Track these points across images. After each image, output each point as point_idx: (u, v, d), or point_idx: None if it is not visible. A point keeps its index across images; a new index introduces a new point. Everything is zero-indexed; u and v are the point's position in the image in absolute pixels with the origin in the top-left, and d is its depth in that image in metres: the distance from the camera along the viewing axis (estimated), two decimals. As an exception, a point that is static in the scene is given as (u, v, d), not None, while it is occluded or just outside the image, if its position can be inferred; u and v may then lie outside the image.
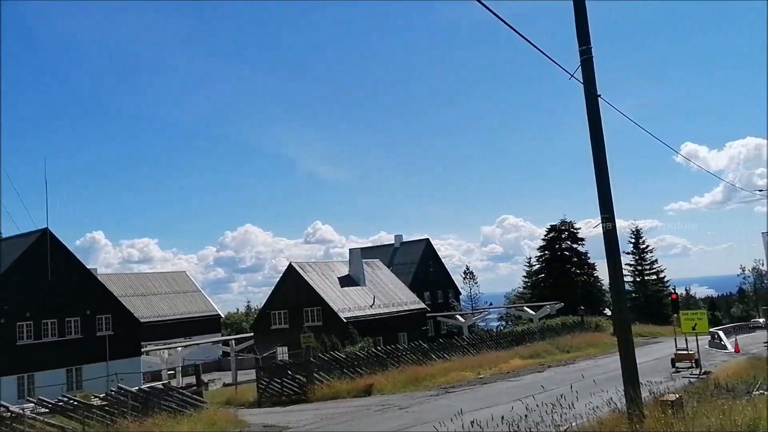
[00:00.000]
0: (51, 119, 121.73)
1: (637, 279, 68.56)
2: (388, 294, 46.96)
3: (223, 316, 65.68)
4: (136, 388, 19.20)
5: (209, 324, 59.46)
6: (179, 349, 46.54)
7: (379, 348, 29.19)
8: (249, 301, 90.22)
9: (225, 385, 39.48)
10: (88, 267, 41.08)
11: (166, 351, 44.35)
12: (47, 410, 16.28)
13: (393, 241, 64.01)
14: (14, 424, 14.74)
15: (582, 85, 9.34)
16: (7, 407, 15.58)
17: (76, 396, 18.13)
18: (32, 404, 17.03)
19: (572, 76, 8.99)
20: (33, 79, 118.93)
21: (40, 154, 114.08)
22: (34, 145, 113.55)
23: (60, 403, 16.23)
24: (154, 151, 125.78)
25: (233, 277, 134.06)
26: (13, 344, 34.28)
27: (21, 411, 15.47)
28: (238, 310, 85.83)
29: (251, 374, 39.22)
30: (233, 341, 48.07)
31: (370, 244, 71.86)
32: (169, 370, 44.08)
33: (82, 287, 37.64)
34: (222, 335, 59.10)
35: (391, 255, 60.40)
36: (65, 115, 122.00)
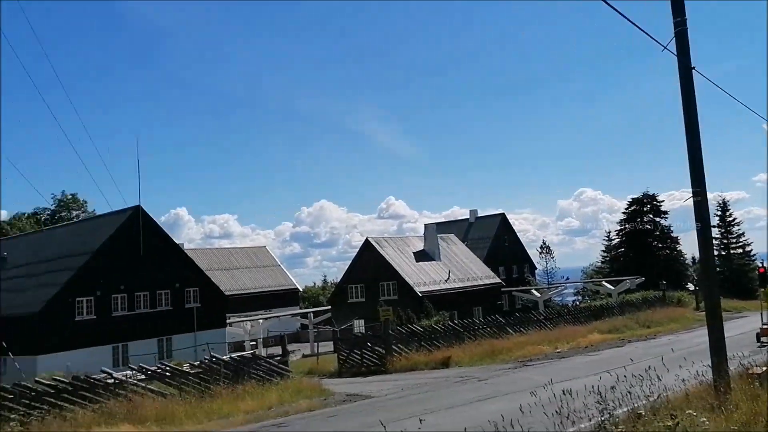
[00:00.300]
0: (135, 99, 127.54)
1: (723, 253, 65.55)
2: (463, 268, 47.01)
3: (301, 289, 67.63)
4: (227, 356, 20.24)
5: (288, 297, 61.43)
6: (260, 321, 48.47)
7: (455, 321, 29.42)
8: (325, 275, 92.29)
9: (304, 356, 40.82)
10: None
11: (248, 323, 46.27)
12: (145, 377, 17.37)
13: (467, 216, 63.84)
14: (117, 390, 15.86)
15: (675, 57, 9.03)
16: (110, 374, 16.81)
17: (169, 364, 19.23)
18: (129, 371, 18.22)
19: (665, 48, 8.71)
20: (118, 58, 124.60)
21: (130, 132, 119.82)
22: (123, 124, 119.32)
23: (158, 371, 17.35)
24: (232, 128, 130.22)
25: (308, 252, 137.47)
26: (109, 315, 36.58)
27: (124, 377, 16.65)
28: (315, 284, 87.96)
29: (329, 346, 40.39)
30: (311, 314, 49.54)
31: (443, 219, 71.90)
32: (251, 340, 46.01)
33: (171, 262, 39.61)
34: (300, 308, 60.97)
35: (466, 230, 60.29)
36: (148, 93, 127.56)
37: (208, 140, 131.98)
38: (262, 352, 37.96)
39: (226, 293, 46.54)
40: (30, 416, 13.62)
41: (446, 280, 44.11)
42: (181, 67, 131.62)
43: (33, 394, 14.15)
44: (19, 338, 31.21)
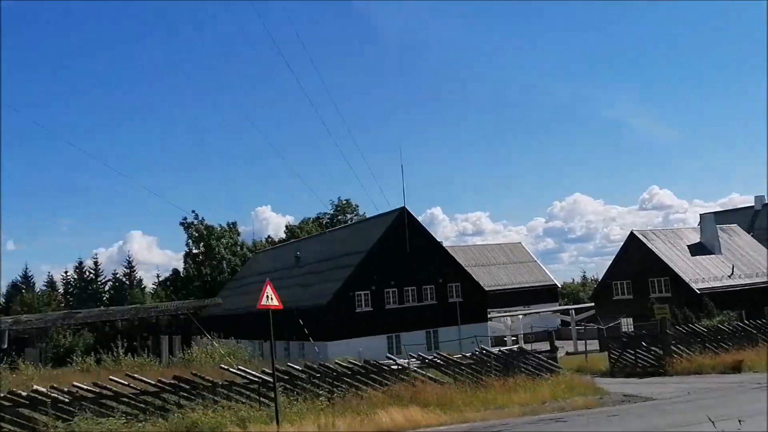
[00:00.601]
0: (393, 107, 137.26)
1: None
2: (750, 263, 41.42)
3: (559, 285, 66.15)
4: (497, 350, 20.79)
5: (546, 293, 60.56)
6: (520, 316, 48.69)
7: (744, 322, 26.16)
8: (584, 271, 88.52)
9: (567, 353, 39.91)
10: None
11: (508, 318, 46.83)
12: (421, 364, 18.58)
13: (752, 203, 56.02)
14: (401, 375, 17.32)
15: None
16: (394, 360, 18.47)
17: (443, 354, 20.29)
18: (405, 359, 19.69)
19: None
20: (375, 70, 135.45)
21: (390, 139, 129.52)
22: (385, 131, 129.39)
23: (435, 360, 18.52)
24: (479, 126, 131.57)
25: (563, 247, 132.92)
26: (383, 308, 40.05)
27: (406, 364, 18.15)
28: (573, 280, 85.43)
29: (593, 344, 38.90)
30: (573, 311, 48.24)
31: (719, 208, 64.08)
32: (512, 336, 46.43)
33: (433, 259, 41.97)
34: (559, 305, 59.71)
35: (751, 219, 52.95)
36: (402, 100, 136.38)
37: (459, 140, 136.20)
38: (524, 347, 38.18)
39: (485, 289, 47.67)
40: (333, 393, 15.64)
41: (729, 276, 39.34)
42: (430, 71, 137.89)
43: (334, 374, 16.20)
44: (312, 326, 35.86)
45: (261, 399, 14.78)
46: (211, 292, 61.03)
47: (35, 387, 13.49)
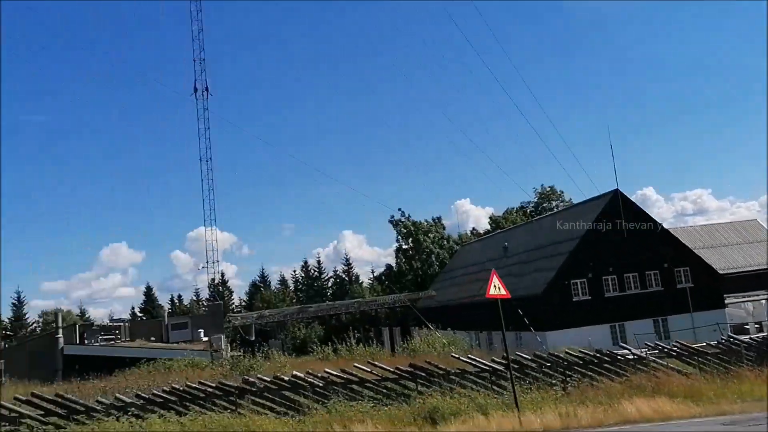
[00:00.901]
0: (589, 86, 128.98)
1: None
2: None
3: (811, 266, 57.35)
4: (747, 337, 18.80)
5: (794, 275, 52.89)
6: (763, 301, 43.35)
7: None
8: (840, 249, 74.92)
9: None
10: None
11: (750, 303, 41.90)
12: (658, 354, 17.42)
13: None
14: (637, 365, 16.43)
15: None
16: (630, 350, 17.58)
17: (684, 343, 18.82)
18: (637, 350, 18.52)
19: None
20: (571, 49, 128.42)
21: (594, 120, 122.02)
22: (583, 111, 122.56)
23: (675, 349, 17.27)
24: (686, 94, 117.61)
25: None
26: (602, 296, 38.15)
27: (642, 354, 17.15)
28: (828, 259, 73.45)
29: None
30: (831, 294, 41.64)
31: None
32: (755, 322, 41.42)
33: (655, 242, 38.98)
34: (813, 287, 51.80)
35: None
36: (602, 79, 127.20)
37: (665, 114, 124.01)
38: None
39: (718, 272, 43.12)
40: (567, 383, 15.34)
41: None
42: (627, 43, 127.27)
43: (565, 363, 15.88)
44: (526, 316, 35.39)
45: (493, 387, 15.04)
46: (422, 285, 63.18)
47: (294, 373, 15.17)
